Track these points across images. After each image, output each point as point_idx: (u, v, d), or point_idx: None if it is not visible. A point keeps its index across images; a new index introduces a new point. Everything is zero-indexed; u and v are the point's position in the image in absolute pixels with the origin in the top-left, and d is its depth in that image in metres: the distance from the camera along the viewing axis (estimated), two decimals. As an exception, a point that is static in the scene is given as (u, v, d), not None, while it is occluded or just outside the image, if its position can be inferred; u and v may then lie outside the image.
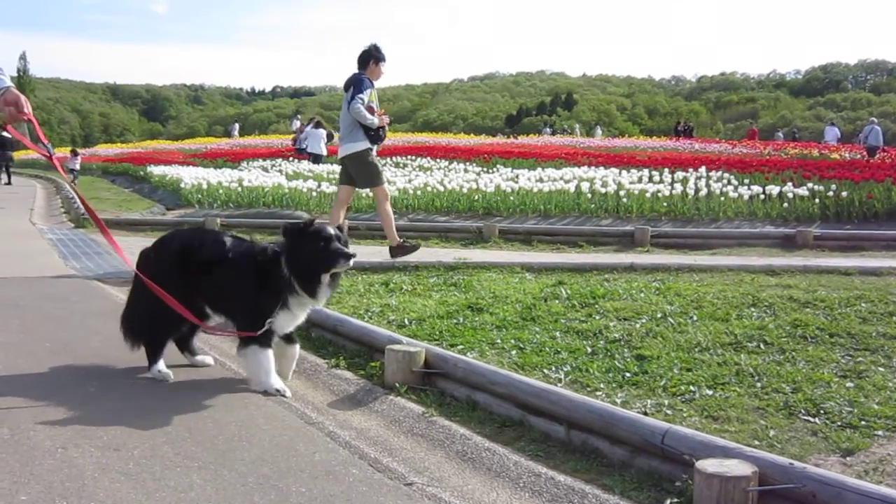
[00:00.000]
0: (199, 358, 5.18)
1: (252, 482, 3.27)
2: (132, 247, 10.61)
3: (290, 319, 4.63)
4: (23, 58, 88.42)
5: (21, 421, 3.92)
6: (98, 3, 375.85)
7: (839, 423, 3.78)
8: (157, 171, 23.27)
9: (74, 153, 32.17)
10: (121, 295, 7.43)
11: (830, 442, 3.57)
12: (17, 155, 34.09)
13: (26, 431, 3.77)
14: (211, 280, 4.67)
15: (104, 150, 49.56)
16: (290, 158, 25.66)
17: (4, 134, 29.58)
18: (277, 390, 4.51)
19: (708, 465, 2.94)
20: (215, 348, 5.57)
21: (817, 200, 14.16)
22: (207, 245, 4.76)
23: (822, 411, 3.93)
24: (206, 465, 3.44)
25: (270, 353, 4.58)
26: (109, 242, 4.83)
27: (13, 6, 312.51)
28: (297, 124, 32.00)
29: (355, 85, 9.44)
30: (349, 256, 4.41)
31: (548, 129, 57.44)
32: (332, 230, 4.45)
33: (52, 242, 11.63)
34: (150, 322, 4.80)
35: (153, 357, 4.78)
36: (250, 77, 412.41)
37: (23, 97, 4.33)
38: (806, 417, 3.88)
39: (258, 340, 4.52)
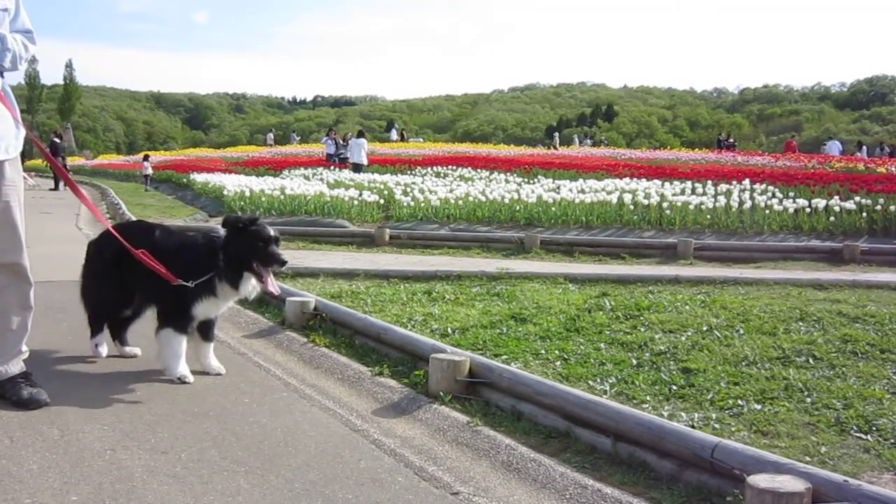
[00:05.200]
0: (128, 349, 5.43)
1: (299, 488, 3.27)
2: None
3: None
4: (69, 66, 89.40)
5: (70, 422, 3.96)
6: (139, 13, 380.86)
7: (892, 441, 3.70)
8: (199, 178, 23.53)
9: (146, 158, 32.90)
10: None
11: (884, 459, 3.50)
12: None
13: (76, 433, 3.81)
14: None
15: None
16: (332, 168, 25.83)
17: (56, 140, 30.10)
18: (180, 378, 4.80)
19: (760, 480, 2.89)
20: (259, 353, 5.60)
21: (864, 214, 13.97)
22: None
23: (874, 428, 3.86)
24: (253, 469, 3.45)
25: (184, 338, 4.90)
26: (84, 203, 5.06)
27: (58, 16, 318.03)
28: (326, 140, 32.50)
29: None
30: (282, 262, 4.74)
31: (588, 141, 57.31)
32: (272, 231, 4.76)
33: (98, 247, 11.75)
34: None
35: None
36: (291, 86, 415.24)
37: None
38: (858, 434, 3.81)
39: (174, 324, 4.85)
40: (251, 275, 4.73)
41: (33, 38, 4.30)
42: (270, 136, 58.77)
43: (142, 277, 4.83)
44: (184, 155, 49.37)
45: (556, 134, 60.88)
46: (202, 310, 4.85)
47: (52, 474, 3.30)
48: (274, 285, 4.74)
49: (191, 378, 4.78)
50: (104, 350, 5.29)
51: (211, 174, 24.08)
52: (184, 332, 4.84)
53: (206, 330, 5.06)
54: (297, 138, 58.61)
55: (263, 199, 17.53)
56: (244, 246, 4.68)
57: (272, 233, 4.73)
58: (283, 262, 4.70)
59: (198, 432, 3.91)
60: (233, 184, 19.32)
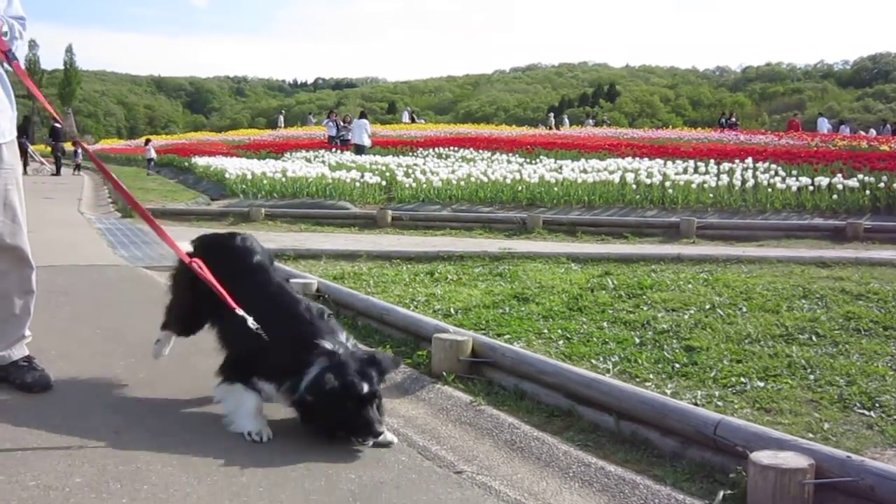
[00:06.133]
0: None
1: (302, 468, 3.28)
2: (178, 237, 10.74)
3: None
4: (69, 50, 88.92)
5: (75, 405, 3.97)
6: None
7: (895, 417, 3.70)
8: (201, 161, 23.51)
9: (147, 141, 32.79)
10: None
11: (887, 435, 3.50)
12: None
13: (80, 416, 3.81)
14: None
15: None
16: (334, 150, 25.78)
17: (56, 125, 30.04)
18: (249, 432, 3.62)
19: (763, 456, 2.89)
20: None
21: (868, 192, 13.95)
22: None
23: (877, 404, 3.86)
24: (258, 451, 3.45)
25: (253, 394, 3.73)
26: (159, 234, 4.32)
27: (58, 0, 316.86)
28: (326, 122, 32.61)
29: None
30: (378, 434, 3.51)
31: (591, 121, 57.37)
32: (365, 388, 3.48)
33: (100, 232, 11.79)
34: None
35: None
36: (292, 69, 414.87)
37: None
38: (861, 411, 3.81)
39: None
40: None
41: (26, 24, 4.29)
42: (281, 118, 58.89)
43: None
44: (185, 139, 49.29)
45: (552, 115, 61.19)
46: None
47: (56, 456, 3.30)
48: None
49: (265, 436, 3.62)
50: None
51: (212, 158, 24.03)
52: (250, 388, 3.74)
53: None
54: (314, 120, 58.41)
55: (265, 181, 17.52)
56: (328, 403, 3.46)
57: (365, 388, 3.48)
58: (377, 434, 3.49)
59: (203, 416, 3.92)
60: (234, 167, 19.31)
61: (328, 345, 3.62)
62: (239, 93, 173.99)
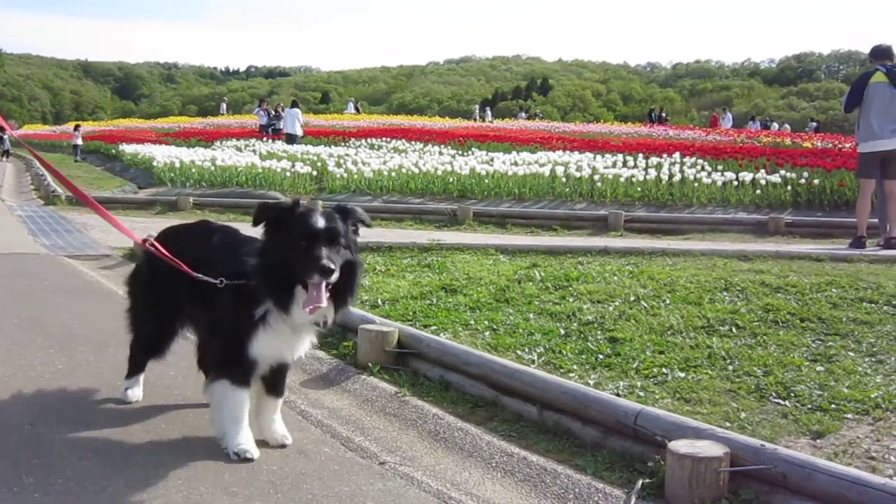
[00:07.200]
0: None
1: (222, 459, 3.24)
2: (103, 225, 10.52)
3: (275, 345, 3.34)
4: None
5: (-12, 397, 3.86)
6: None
7: (809, 406, 3.79)
8: (128, 149, 23.07)
9: (76, 127, 31.87)
10: (90, 272, 7.36)
11: (801, 424, 3.59)
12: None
13: (-7, 408, 3.72)
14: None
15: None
16: (265, 139, 25.49)
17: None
18: (237, 453, 3.28)
19: (680, 445, 2.95)
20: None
21: (789, 188, 14.26)
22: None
23: (792, 394, 3.95)
24: (177, 441, 3.41)
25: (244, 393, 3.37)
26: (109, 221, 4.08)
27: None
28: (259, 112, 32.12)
29: None
30: (328, 271, 3.02)
31: (523, 114, 57.84)
32: (321, 219, 3.13)
33: (21, 219, 11.48)
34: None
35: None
36: (224, 56, 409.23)
37: None
38: (777, 400, 3.90)
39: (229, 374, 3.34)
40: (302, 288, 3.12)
41: None
42: (223, 105, 57.73)
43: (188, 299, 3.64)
44: (113, 125, 48.28)
45: (477, 107, 62.12)
46: (264, 349, 3.30)
47: (-33, 450, 3.22)
48: (319, 299, 3.04)
49: (254, 454, 3.29)
50: (136, 394, 3.96)
51: (141, 145, 23.61)
52: (242, 385, 3.33)
53: (272, 378, 3.50)
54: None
55: (194, 170, 17.27)
56: (284, 246, 3.15)
57: (321, 223, 3.12)
58: (327, 271, 3.01)
59: (122, 407, 3.85)
60: (163, 155, 18.99)
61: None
62: (169, 79, 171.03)
